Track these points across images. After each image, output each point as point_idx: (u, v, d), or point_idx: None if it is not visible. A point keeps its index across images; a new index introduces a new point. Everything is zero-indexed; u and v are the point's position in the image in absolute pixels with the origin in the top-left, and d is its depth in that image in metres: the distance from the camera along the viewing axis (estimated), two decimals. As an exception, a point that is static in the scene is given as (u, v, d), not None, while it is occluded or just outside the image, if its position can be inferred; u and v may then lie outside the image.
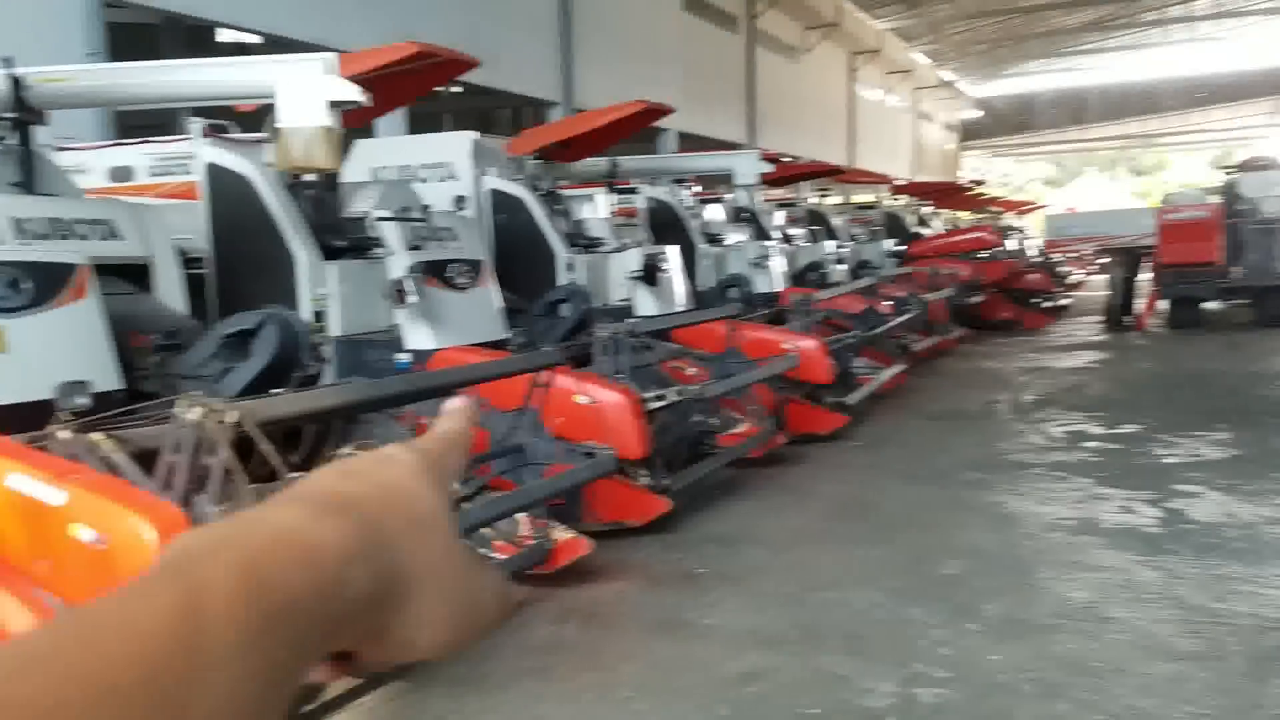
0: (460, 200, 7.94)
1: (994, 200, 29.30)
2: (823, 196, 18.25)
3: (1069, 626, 4.31)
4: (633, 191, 12.10)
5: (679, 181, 12.40)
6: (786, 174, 16.00)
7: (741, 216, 13.46)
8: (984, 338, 16.70)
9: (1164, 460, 7.44)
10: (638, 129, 9.54)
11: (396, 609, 0.46)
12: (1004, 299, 18.77)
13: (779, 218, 15.62)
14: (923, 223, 21.64)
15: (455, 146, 8.86)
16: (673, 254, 9.85)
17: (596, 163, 10.15)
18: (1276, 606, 4.43)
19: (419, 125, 12.68)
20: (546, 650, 4.26)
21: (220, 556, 0.40)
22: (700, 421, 6.92)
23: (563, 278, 8.67)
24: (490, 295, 7.28)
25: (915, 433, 8.94)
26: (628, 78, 18.15)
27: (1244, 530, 5.59)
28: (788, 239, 14.94)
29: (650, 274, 9.13)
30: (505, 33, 15.42)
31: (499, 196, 8.76)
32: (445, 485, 0.51)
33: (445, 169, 8.77)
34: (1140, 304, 17.51)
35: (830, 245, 14.93)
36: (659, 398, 6.08)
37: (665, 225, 11.41)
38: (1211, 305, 18.14)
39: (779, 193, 17.95)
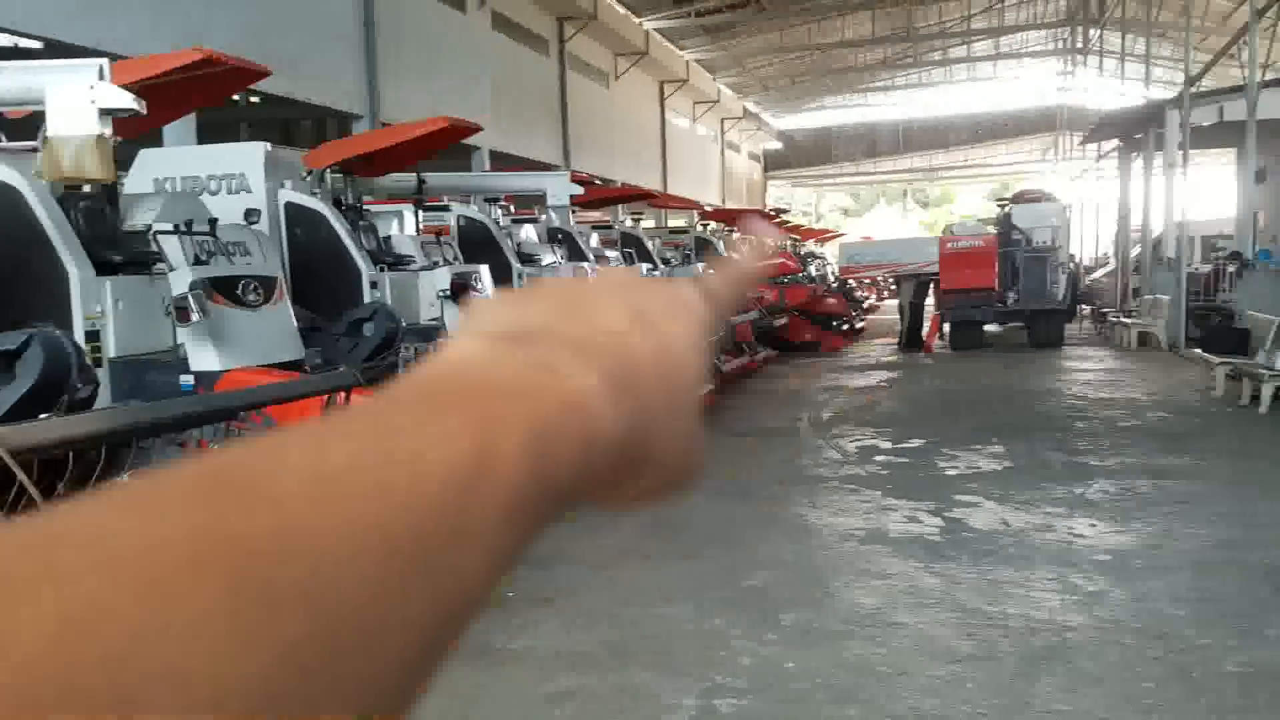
0: (251, 214, 7.56)
1: (797, 228, 30.66)
2: (636, 220, 18.54)
3: (859, 633, 4.50)
4: (444, 209, 11.93)
5: (491, 200, 12.30)
6: (600, 196, 16.20)
7: (557, 238, 13.51)
8: (788, 358, 17.39)
9: (946, 472, 7.92)
10: (443, 145, 9.38)
11: (645, 457, 0.38)
12: (806, 322, 19.64)
13: (594, 239, 15.79)
14: (730, 247, 22.37)
15: (247, 157, 8.46)
16: (485, 273, 9.75)
17: (404, 179, 9.93)
18: (1044, 609, 4.76)
19: (215, 135, 12.01)
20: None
21: (515, 403, 0.32)
22: None
23: (366, 296, 8.43)
24: (284, 313, 6.99)
25: (723, 449, 9.14)
26: (436, 94, 17.92)
27: (1015, 537, 6.00)
28: (601, 260, 15.11)
29: (457, 293, 8.98)
30: (305, 41, 14.90)
31: (295, 210, 8.42)
32: (711, 325, 0.44)
33: (236, 180, 8.36)
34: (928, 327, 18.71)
35: (644, 268, 15.16)
36: None
37: (478, 244, 11.32)
38: (992, 328, 19.59)
39: (595, 215, 18.15)
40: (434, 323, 8.80)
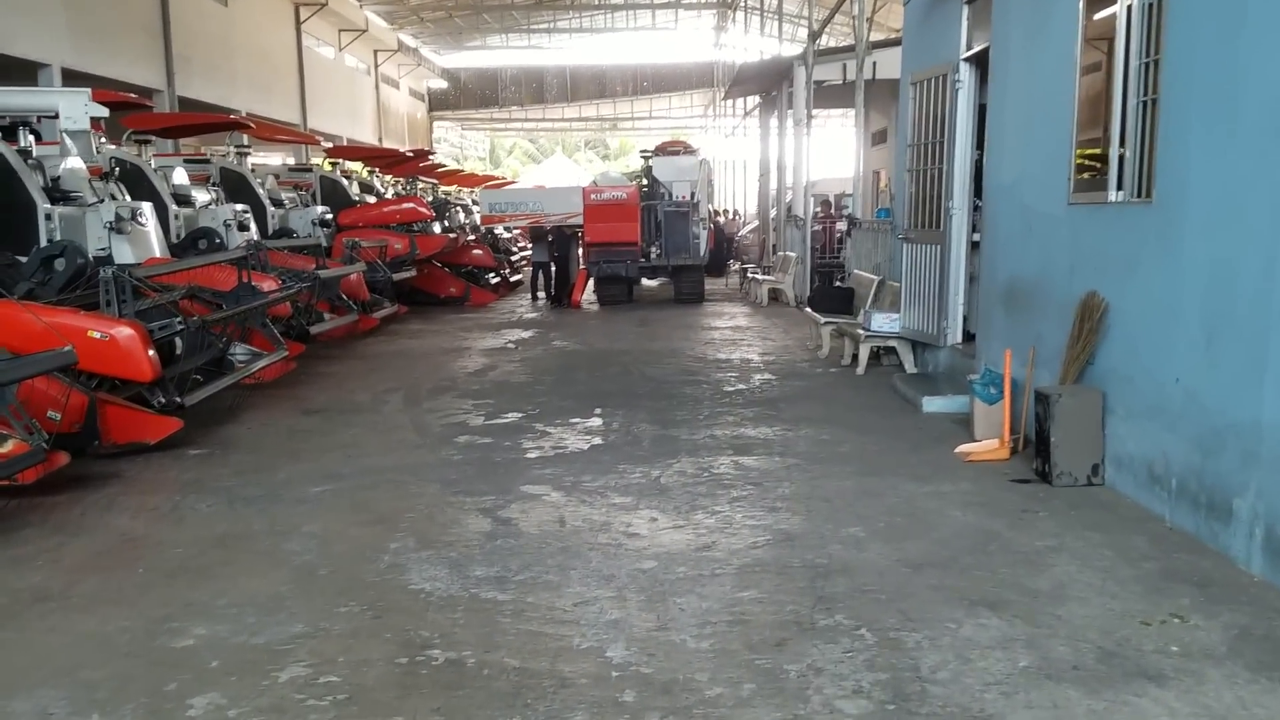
0: None
1: (453, 173, 29.14)
2: (241, 154, 16.31)
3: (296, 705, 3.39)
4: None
5: (20, 124, 9.91)
6: (178, 124, 13.96)
7: (113, 171, 11.32)
8: (428, 313, 16.12)
9: (528, 454, 7.04)
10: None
11: None
12: (450, 274, 18.39)
13: (179, 175, 13.59)
14: (368, 190, 20.55)
15: None
16: (148, 209, 9.86)
17: None
18: (547, 651, 3.89)
19: None
20: None
21: None
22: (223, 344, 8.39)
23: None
24: None
25: (281, 434, 7.78)
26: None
27: (563, 542, 5.16)
28: (183, 201, 13.01)
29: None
30: None
31: None
32: None
33: None
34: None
35: (229, 210, 13.19)
36: (164, 327, 7.43)
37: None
38: (651, 282, 19.33)
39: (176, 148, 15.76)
40: (102, 252, 8.96)
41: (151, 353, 6.92)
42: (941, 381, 8.98)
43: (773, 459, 6.85)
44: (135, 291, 7.45)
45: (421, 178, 22.44)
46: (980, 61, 8.46)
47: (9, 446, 5.58)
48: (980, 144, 8.59)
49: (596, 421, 8.08)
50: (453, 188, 27.99)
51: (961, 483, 6.19)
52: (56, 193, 9.59)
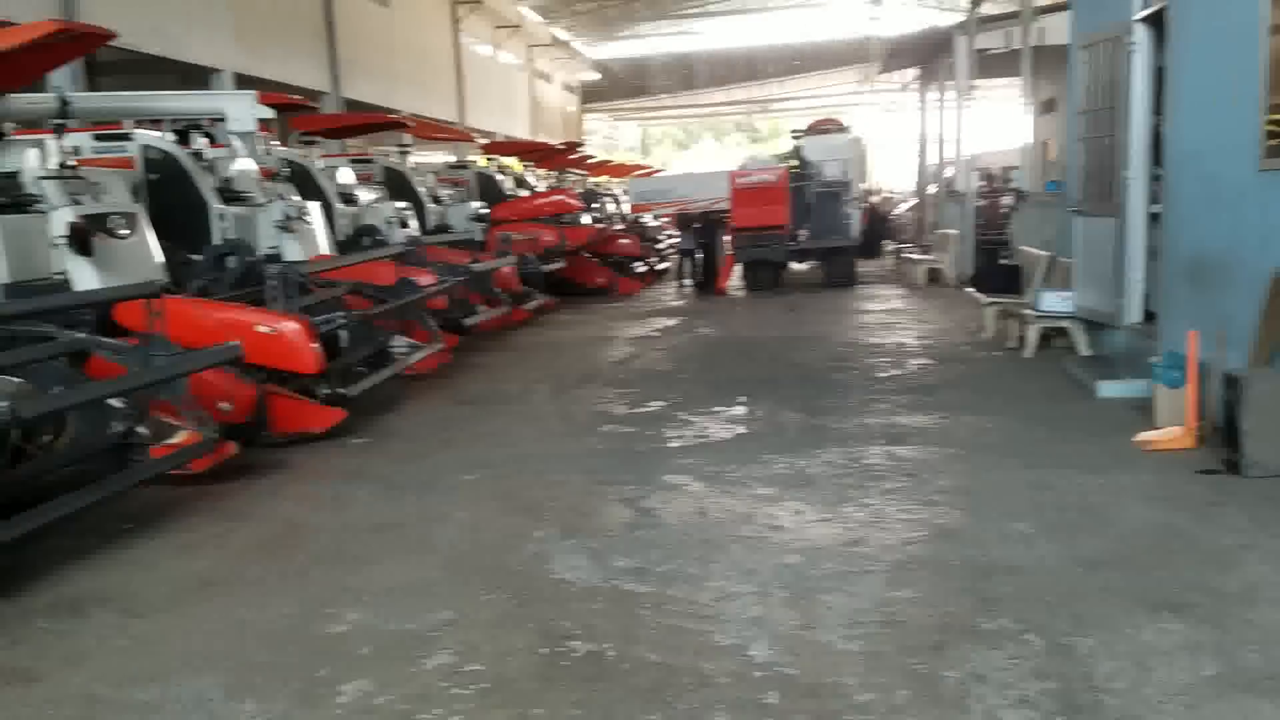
0: None
1: (603, 164, 29.37)
2: (403, 153, 16.87)
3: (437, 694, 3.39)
4: (123, 138, 10.14)
5: (194, 128, 10.50)
6: (343, 124, 14.51)
7: (284, 172, 11.87)
8: (576, 304, 16.27)
9: (670, 444, 6.95)
10: (71, 56, 7.71)
11: None
12: (597, 264, 18.50)
13: (344, 174, 14.17)
14: (521, 184, 20.93)
15: None
16: (316, 209, 10.74)
17: (42, 99, 8.13)
18: (687, 651, 3.79)
19: None
20: None
21: None
22: (383, 338, 8.75)
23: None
24: (145, 244, 7.99)
25: (436, 423, 7.95)
26: (160, 7, 15.63)
27: (704, 534, 5.04)
28: (348, 199, 13.55)
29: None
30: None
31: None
32: None
33: None
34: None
35: (391, 208, 13.64)
36: (327, 321, 7.68)
37: (170, 181, 9.76)
38: (801, 266, 18.96)
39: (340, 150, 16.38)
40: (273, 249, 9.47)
41: (316, 346, 7.18)
42: (1119, 365, 8.39)
43: (929, 449, 6.53)
44: (301, 288, 7.77)
45: (571, 170, 22.69)
46: (1156, 22, 7.83)
47: (181, 437, 5.88)
48: (1158, 109, 7.96)
49: (740, 410, 7.92)
50: (602, 178, 28.23)
51: (1141, 474, 5.74)
52: (228, 193, 10.13)
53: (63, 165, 7.35)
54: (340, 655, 3.78)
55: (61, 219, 7.10)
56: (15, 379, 5.53)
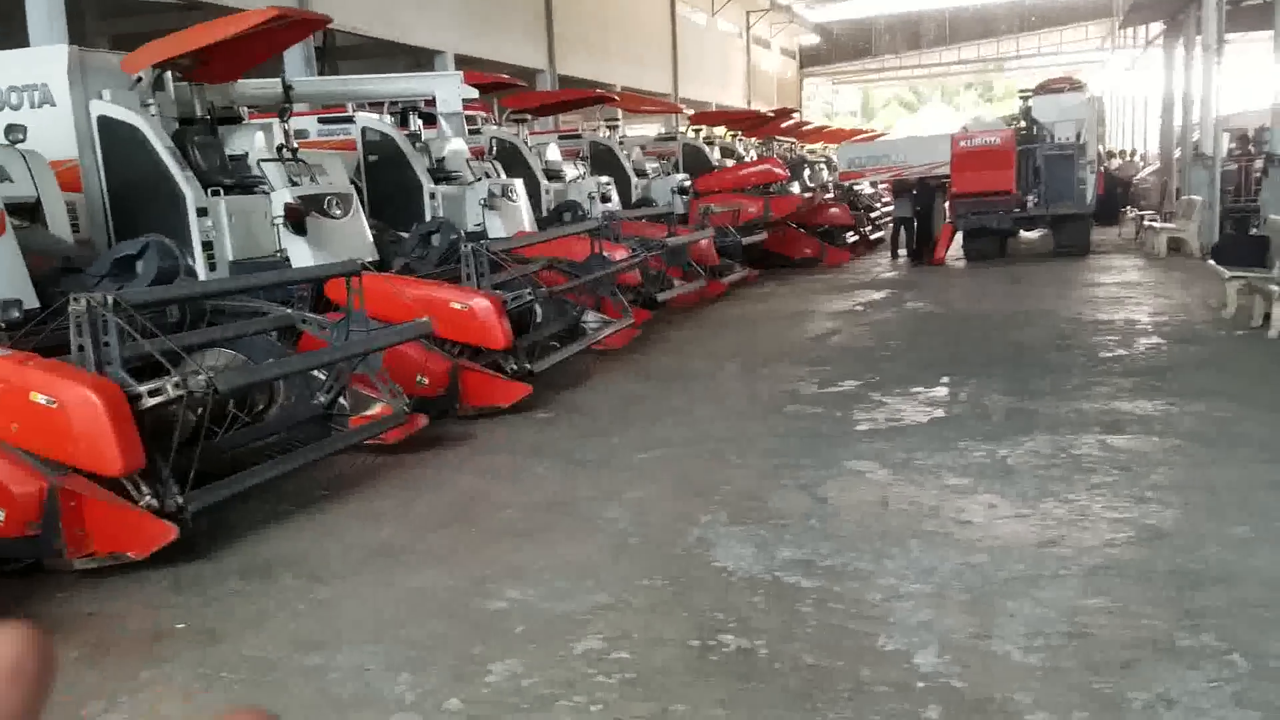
0: (13, 130, 6.45)
1: (819, 131, 28.63)
2: (611, 128, 17.05)
3: (580, 685, 3.36)
4: (347, 120, 10.76)
5: (411, 109, 10.97)
6: (544, 102, 14.77)
7: (492, 151, 12.27)
8: (783, 276, 15.98)
9: (858, 426, 6.66)
10: (290, 41, 8.18)
11: None
12: (805, 234, 18.07)
13: (552, 151, 14.48)
14: (729, 154, 20.73)
15: (49, 64, 7.33)
16: (519, 186, 11.01)
17: (268, 85, 8.70)
18: (845, 651, 3.58)
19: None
20: None
21: None
22: (576, 312, 9.09)
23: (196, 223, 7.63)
24: (360, 224, 8.47)
25: (620, 399, 7.98)
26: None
27: (883, 525, 4.77)
28: (554, 176, 13.83)
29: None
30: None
31: (109, 124, 7.29)
32: None
33: (39, 91, 7.26)
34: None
35: (594, 182, 13.80)
36: (516, 298, 7.80)
37: (387, 162, 10.29)
38: (1030, 235, 17.86)
39: (552, 125, 16.70)
40: (478, 228, 10.12)
41: (505, 322, 7.36)
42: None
43: (1150, 439, 5.94)
44: (494, 264, 7.97)
45: (779, 137, 22.24)
46: None
47: (376, 409, 6.16)
48: None
49: (941, 392, 7.48)
50: (818, 145, 27.52)
51: (1399, 476, 4.98)
52: (440, 173, 10.54)
53: (280, 148, 7.81)
54: (496, 633, 3.83)
55: (279, 200, 7.56)
56: (229, 350, 5.96)
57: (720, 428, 6.87)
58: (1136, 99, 31.70)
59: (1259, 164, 15.22)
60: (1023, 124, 17.24)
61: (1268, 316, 8.88)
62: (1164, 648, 3.42)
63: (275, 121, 8.63)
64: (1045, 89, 17.30)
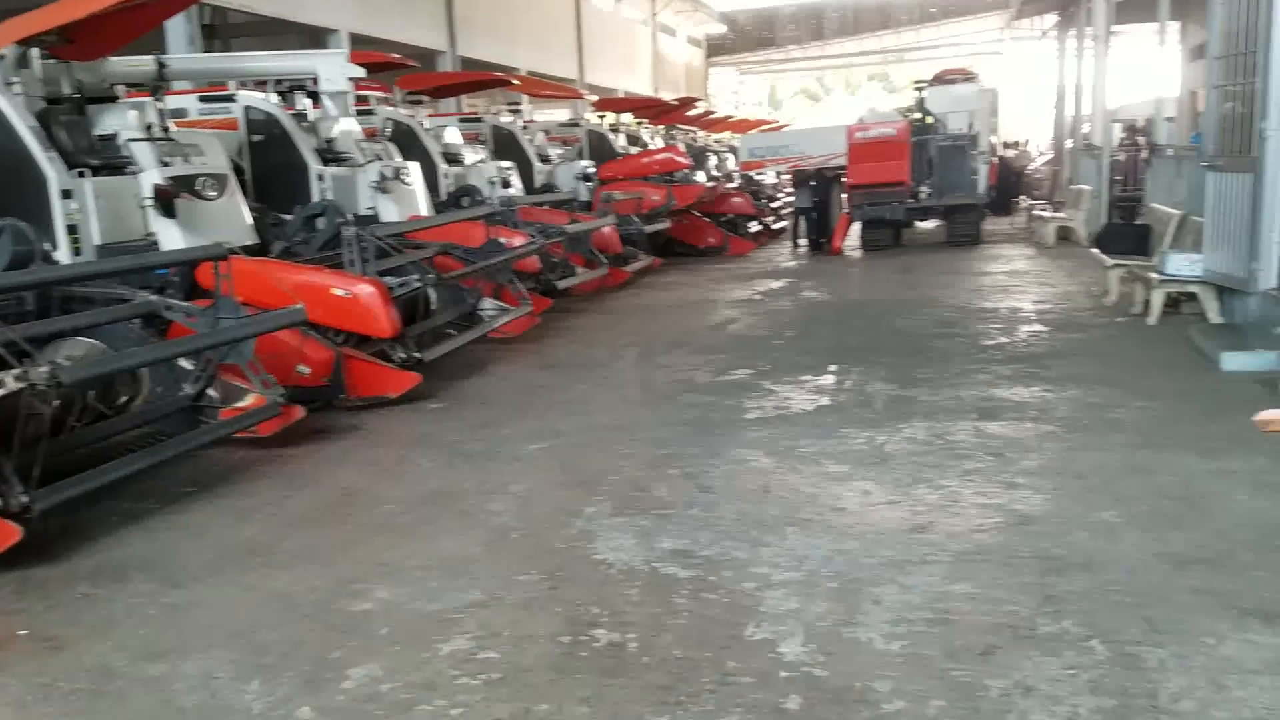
0: None
1: (724, 120, 28.79)
2: (514, 112, 16.84)
3: (445, 683, 3.26)
4: (227, 99, 10.36)
5: (296, 88, 10.61)
6: (445, 83, 14.50)
7: (385, 133, 11.98)
8: (687, 265, 16.00)
9: (747, 414, 6.67)
10: (162, 17, 7.82)
11: None
12: (709, 224, 18.12)
13: (450, 134, 14.22)
14: (635, 142, 20.68)
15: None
16: (415, 169, 10.86)
17: (140, 63, 8.30)
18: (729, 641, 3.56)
19: None
20: None
21: None
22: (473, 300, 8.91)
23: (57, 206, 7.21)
24: (237, 205, 8.12)
25: (514, 389, 7.87)
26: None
27: (759, 509, 4.77)
28: (453, 159, 13.58)
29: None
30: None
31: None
32: None
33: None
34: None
35: (494, 167, 13.61)
36: (403, 284, 7.58)
37: (271, 143, 9.92)
38: (924, 225, 18.18)
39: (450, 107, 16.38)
40: (370, 210, 9.90)
41: (391, 309, 7.17)
42: (1250, 334, 7.66)
43: (1023, 425, 6.07)
44: (382, 250, 7.75)
45: (682, 126, 22.25)
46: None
47: (249, 400, 5.94)
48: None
49: (828, 379, 7.55)
50: (724, 134, 27.66)
51: (1256, 458, 5.18)
52: (329, 154, 10.22)
53: (149, 127, 7.46)
54: (358, 635, 3.70)
55: (148, 181, 7.24)
56: (88, 340, 5.68)
57: (613, 417, 6.81)
58: (1032, 89, 32.66)
59: (1145, 154, 15.77)
60: (917, 115, 17.57)
61: (1147, 304, 9.19)
62: (1024, 634, 3.48)
63: (147, 100, 8.24)
64: (939, 80, 17.63)
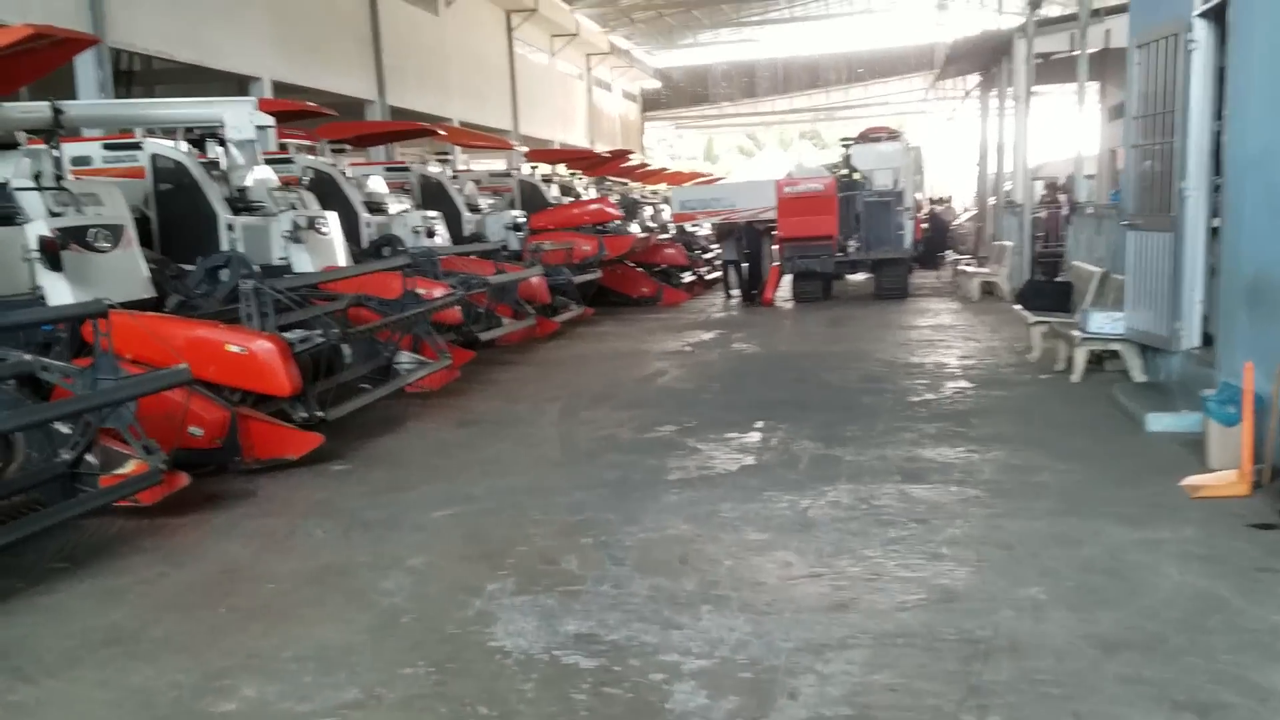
0: None
1: (658, 173, 28.88)
2: (443, 161, 16.58)
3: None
4: (134, 147, 9.95)
5: (209, 136, 10.20)
6: (370, 132, 14.23)
7: (303, 182, 11.61)
8: (619, 315, 15.80)
9: (668, 476, 6.40)
10: (57, 62, 7.44)
11: None
12: (643, 274, 18.01)
13: (374, 183, 13.93)
14: (568, 193, 20.55)
15: None
16: (333, 218, 10.57)
17: (34, 108, 7.89)
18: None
19: None
20: None
21: None
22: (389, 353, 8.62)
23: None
24: (133, 258, 7.73)
25: (426, 448, 7.51)
26: (194, 13, 15.49)
27: (678, 587, 4.47)
28: (376, 209, 13.27)
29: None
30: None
31: None
32: None
33: None
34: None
35: (418, 216, 13.31)
36: (305, 339, 7.32)
37: (180, 191, 9.51)
38: (856, 277, 18.24)
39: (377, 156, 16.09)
40: (283, 261, 9.60)
41: (291, 366, 6.80)
42: (1175, 393, 7.62)
43: (948, 489, 5.88)
44: (283, 303, 7.38)
45: (613, 177, 22.21)
46: (1218, 17, 7.06)
47: (130, 467, 5.51)
48: (1219, 114, 7.19)
49: (754, 437, 7.33)
50: (660, 186, 27.72)
51: (1184, 527, 5.03)
52: (240, 203, 9.84)
53: (38, 175, 7.05)
54: (218, 739, 3.32)
55: (34, 232, 6.81)
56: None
57: (529, 479, 6.49)
58: (956, 147, 33.34)
59: (1067, 211, 16.02)
60: (844, 171, 17.73)
61: (1070, 360, 9.16)
62: (946, 729, 3.23)
63: (41, 147, 7.81)
64: (864, 138, 17.84)
